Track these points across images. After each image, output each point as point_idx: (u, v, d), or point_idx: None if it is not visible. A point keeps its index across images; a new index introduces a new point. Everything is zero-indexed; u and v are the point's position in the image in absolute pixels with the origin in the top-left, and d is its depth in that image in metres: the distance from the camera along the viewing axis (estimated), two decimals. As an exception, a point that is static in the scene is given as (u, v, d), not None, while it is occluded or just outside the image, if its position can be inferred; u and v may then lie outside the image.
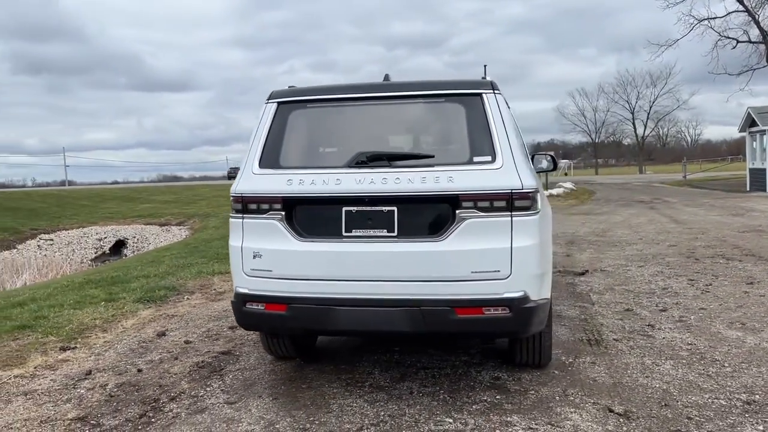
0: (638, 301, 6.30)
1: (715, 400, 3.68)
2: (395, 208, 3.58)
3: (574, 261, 9.09)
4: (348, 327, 3.70)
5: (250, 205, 3.79)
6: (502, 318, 3.47)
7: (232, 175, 4.04)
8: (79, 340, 5.50)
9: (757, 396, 3.72)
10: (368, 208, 3.61)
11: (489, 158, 3.58)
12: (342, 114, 4.02)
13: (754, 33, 33.58)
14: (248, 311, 3.79)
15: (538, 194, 3.61)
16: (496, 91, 3.78)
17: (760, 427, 3.30)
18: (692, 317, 5.59)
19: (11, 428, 3.65)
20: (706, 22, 34.31)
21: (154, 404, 3.93)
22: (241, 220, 3.83)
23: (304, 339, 4.60)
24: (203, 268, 9.19)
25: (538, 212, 3.57)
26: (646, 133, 79.15)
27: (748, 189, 26.56)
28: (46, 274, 15.18)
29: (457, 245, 3.48)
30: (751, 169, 27.14)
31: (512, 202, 3.47)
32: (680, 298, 6.35)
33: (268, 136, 3.90)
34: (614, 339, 4.98)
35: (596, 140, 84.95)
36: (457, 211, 3.50)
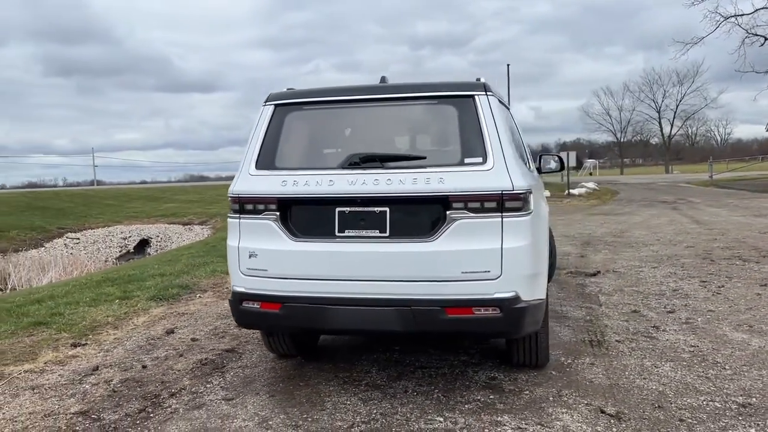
0: (647, 303, 6.23)
1: (711, 403, 3.64)
2: (387, 209, 3.62)
3: (588, 262, 9.01)
4: (340, 326, 3.74)
5: (246, 206, 3.86)
6: (493, 318, 3.48)
7: None
8: (90, 336, 5.64)
9: (754, 399, 3.67)
10: (361, 209, 3.65)
11: (480, 159, 3.59)
12: (337, 116, 4.07)
13: (783, 30, 32.91)
14: (245, 310, 3.86)
15: (531, 195, 3.60)
16: (488, 93, 3.78)
17: (752, 431, 3.27)
18: (699, 319, 5.52)
19: (16, 421, 3.77)
20: (732, 19, 33.74)
21: (154, 400, 4.03)
22: (237, 220, 3.91)
23: (305, 337, 4.66)
24: (218, 267, 9.31)
25: (530, 213, 3.57)
26: (673, 132, 78.04)
27: (775, 189, 26.03)
28: (71, 272, 15.46)
29: (447, 246, 3.50)
30: (779, 169, 26.55)
31: (503, 202, 3.48)
32: (690, 300, 6.27)
33: (264, 137, 3.97)
34: (616, 340, 4.95)
35: (621, 139, 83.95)
36: (447, 212, 3.52)
